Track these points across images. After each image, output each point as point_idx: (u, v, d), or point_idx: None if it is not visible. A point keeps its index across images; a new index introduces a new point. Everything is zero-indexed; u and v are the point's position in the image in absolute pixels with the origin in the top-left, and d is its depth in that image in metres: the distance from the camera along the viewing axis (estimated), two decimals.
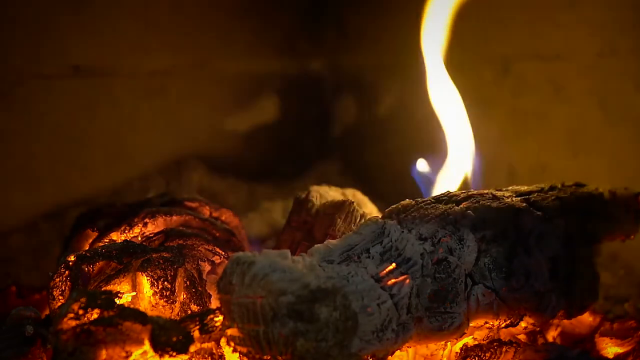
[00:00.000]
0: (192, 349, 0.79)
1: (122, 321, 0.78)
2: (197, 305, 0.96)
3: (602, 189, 0.99)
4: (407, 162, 1.21)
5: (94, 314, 0.79)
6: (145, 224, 1.04)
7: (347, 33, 1.86)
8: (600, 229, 0.97)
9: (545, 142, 1.49)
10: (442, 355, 0.94)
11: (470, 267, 0.88)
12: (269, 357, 0.77)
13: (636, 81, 1.33)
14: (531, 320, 0.91)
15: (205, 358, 0.88)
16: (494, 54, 1.55)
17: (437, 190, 1.15)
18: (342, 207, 1.03)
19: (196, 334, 0.81)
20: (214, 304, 0.95)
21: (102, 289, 0.92)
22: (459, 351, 0.94)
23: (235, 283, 0.77)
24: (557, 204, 0.93)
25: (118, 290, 0.92)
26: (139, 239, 1.03)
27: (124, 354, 0.78)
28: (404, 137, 1.70)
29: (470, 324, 0.89)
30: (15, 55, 1.44)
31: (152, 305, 0.94)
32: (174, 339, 0.78)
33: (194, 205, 1.13)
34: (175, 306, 0.94)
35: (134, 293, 0.93)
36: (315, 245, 0.85)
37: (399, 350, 0.86)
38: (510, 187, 0.99)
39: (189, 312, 0.94)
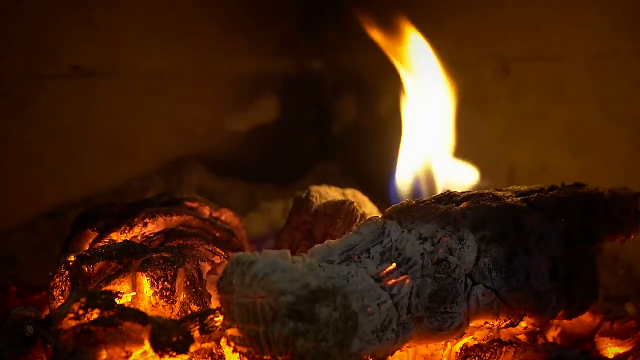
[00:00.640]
0: (192, 349, 0.79)
1: (122, 321, 0.78)
2: (197, 305, 0.96)
3: (602, 189, 0.99)
4: None
5: (94, 314, 0.79)
6: (145, 224, 1.04)
7: (347, 33, 1.86)
8: (600, 229, 0.97)
9: (545, 142, 1.49)
10: (442, 355, 0.94)
11: (470, 267, 0.88)
12: (269, 357, 0.77)
13: (636, 81, 1.33)
14: (531, 320, 0.91)
15: (205, 358, 0.88)
16: (494, 54, 1.55)
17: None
18: (342, 207, 1.03)
19: (196, 334, 0.81)
20: (214, 304, 0.95)
21: (102, 289, 0.92)
22: (459, 351, 0.94)
23: (235, 283, 0.77)
24: (557, 204, 0.93)
25: (118, 290, 0.92)
26: (139, 239, 1.03)
27: (124, 354, 0.78)
28: None
29: (470, 324, 0.89)
30: (15, 55, 1.44)
31: (152, 305, 0.94)
32: (174, 339, 0.78)
33: (194, 205, 1.13)
34: (175, 306, 0.94)
35: (134, 293, 0.93)
36: (315, 245, 0.85)
37: (399, 350, 0.86)
38: (510, 187, 0.99)
39: (189, 312, 0.94)
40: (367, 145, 1.89)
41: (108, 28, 1.56)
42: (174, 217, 1.06)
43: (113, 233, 1.03)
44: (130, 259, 0.95)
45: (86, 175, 1.58)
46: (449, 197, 0.94)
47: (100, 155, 1.60)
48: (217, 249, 1.03)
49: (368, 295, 0.79)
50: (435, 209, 0.91)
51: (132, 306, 0.90)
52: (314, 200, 1.10)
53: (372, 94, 1.85)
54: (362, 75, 1.88)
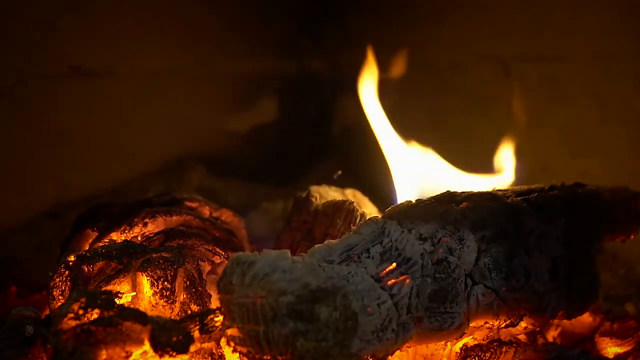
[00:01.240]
0: (192, 349, 0.79)
1: (122, 321, 0.78)
2: (197, 305, 0.96)
3: (602, 189, 0.99)
4: None
5: (94, 314, 0.79)
6: (145, 224, 1.04)
7: (347, 33, 1.86)
8: (600, 229, 0.97)
9: (545, 142, 1.49)
10: (442, 355, 0.94)
11: (470, 267, 0.88)
12: (269, 357, 0.77)
13: (636, 82, 1.33)
14: (531, 320, 0.91)
15: (205, 358, 0.88)
16: (494, 54, 1.55)
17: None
18: (342, 207, 1.03)
19: (196, 334, 0.81)
20: (214, 304, 0.95)
21: (102, 289, 0.92)
22: (459, 351, 0.94)
23: (235, 283, 0.77)
24: (557, 204, 0.93)
25: (118, 290, 0.92)
26: (139, 239, 1.03)
27: (124, 354, 0.78)
28: None
29: (470, 324, 0.89)
30: (15, 55, 1.43)
31: (152, 305, 0.94)
32: (174, 339, 0.78)
33: (194, 205, 1.13)
34: (175, 306, 0.94)
35: (134, 293, 0.93)
36: (315, 245, 0.85)
37: (399, 350, 0.86)
38: (510, 187, 0.99)
39: (189, 312, 0.94)
40: (367, 145, 1.89)
41: (108, 28, 1.56)
42: (174, 217, 1.06)
43: (113, 233, 1.03)
44: (130, 259, 0.95)
45: (86, 175, 1.57)
46: (449, 197, 0.94)
47: (100, 155, 1.59)
48: (217, 249, 1.03)
49: (368, 295, 0.79)
50: (435, 209, 0.91)
51: (132, 306, 0.90)
52: (314, 200, 1.10)
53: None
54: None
